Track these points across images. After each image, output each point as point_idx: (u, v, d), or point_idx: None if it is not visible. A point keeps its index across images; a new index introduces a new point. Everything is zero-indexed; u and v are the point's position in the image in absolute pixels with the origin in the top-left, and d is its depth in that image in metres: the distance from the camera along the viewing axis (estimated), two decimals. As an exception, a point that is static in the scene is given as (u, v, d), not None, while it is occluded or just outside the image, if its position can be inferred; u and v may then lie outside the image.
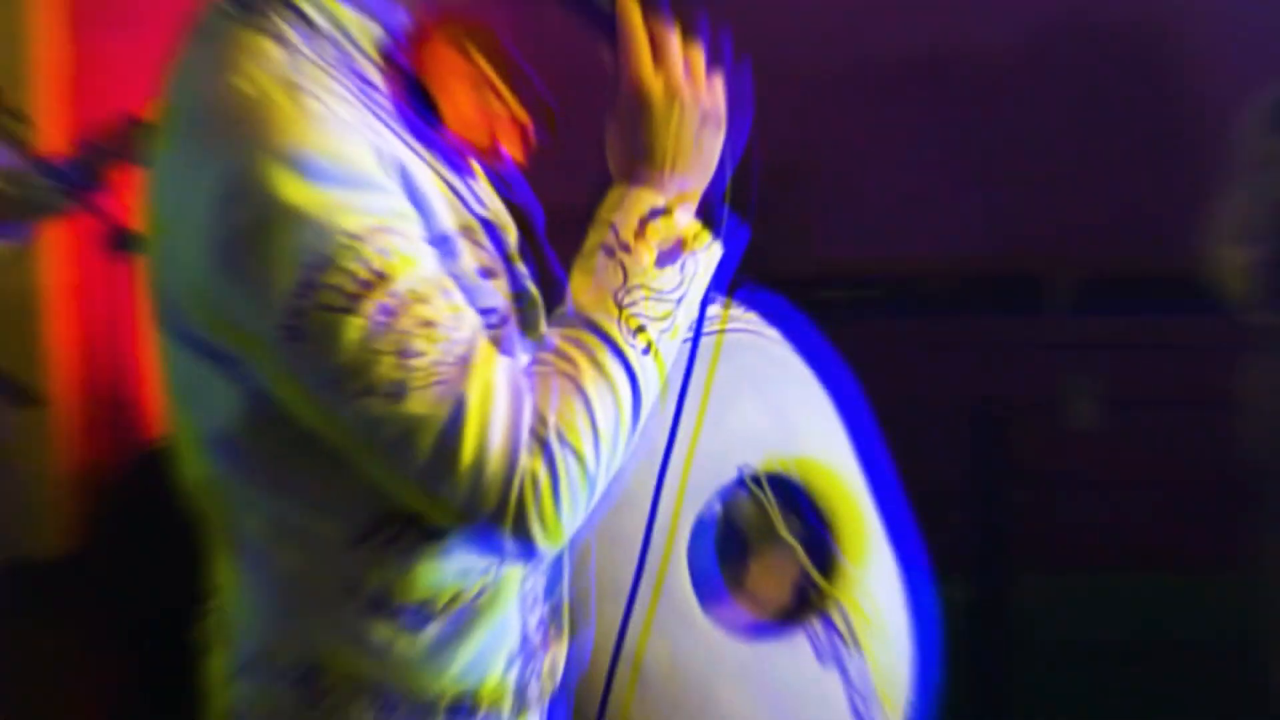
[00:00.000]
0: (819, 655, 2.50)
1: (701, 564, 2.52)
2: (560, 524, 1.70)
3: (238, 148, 1.66)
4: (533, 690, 1.95)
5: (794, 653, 2.50)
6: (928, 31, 5.57)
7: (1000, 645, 4.74)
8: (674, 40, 1.83)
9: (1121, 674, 4.88)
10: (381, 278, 1.64)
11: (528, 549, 1.71)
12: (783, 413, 2.61)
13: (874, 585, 2.58)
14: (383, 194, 1.69)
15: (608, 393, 1.73)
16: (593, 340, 1.75)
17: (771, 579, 2.56)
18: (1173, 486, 4.79)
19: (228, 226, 1.66)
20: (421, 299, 1.66)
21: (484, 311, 1.75)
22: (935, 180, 5.61)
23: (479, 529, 1.70)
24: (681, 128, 1.81)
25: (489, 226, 1.84)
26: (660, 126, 1.81)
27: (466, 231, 1.79)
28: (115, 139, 4.53)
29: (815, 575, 2.52)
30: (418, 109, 1.82)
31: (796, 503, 2.57)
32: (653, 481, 2.02)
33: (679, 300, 1.81)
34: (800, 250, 5.29)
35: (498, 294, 1.79)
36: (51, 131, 5.71)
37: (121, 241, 4.42)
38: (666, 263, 1.80)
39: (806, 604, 2.54)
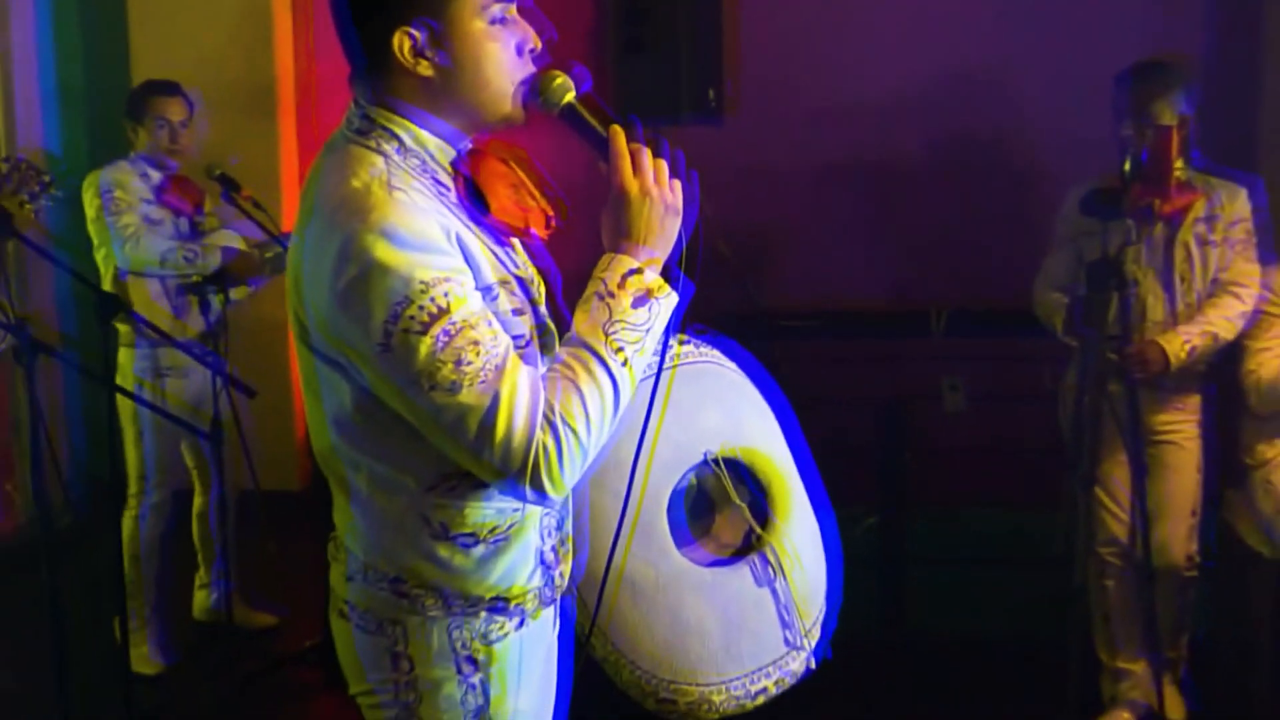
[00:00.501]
0: (757, 580, 2.47)
1: (678, 517, 2.46)
2: (563, 479, 1.75)
3: (349, 224, 1.71)
4: (547, 593, 1.99)
5: (741, 578, 2.46)
6: (855, 143, 5.52)
7: (898, 556, 4.70)
8: (647, 157, 1.84)
9: (980, 576, 4.88)
10: (444, 311, 1.70)
11: (541, 495, 1.76)
12: (735, 417, 2.52)
13: (794, 534, 2.51)
14: (445, 256, 1.73)
15: (595, 390, 1.76)
16: (587, 356, 1.78)
17: (727, 529, 2.51)
18: (1015, 450, 4.73)
19: (343, 277, 1.71)
20: (471, 326, 1.71)
21: (515, 337, 1.80)
22: (859, 245, 5.57)
23: (508, 481, 1.75)
24: (651, 216, 1.83)
25: (521, 281, 1.88)
26: (636, 215, 1.83)
27: (504, 284, 1.83)
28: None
29: (755, 527, 2.47)
30: (474, 201, 1.85)
31: (744, 477, 2.50)
32: (632, 461, 2.06)
33: (647, 330, 1.82)
34: (773, 292, 5.26)
35: (524, 326, 1.84)
36: (288, 214, 5.74)
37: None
38: (638, 305, 1.81)
39: (750, 546, 2.49)
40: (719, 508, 2.52)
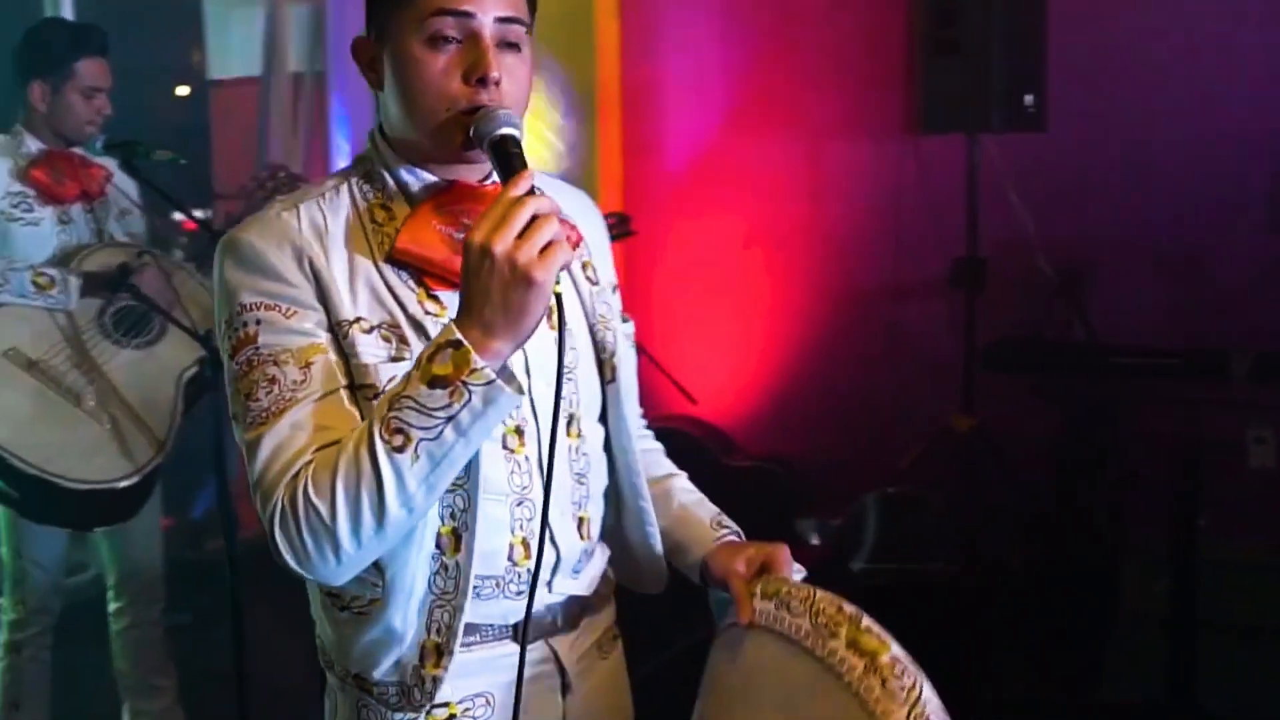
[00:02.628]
0: None
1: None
2: (304, 554, 1.54)
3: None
4: (416, 695, 1.70)
5: None
6: (1171, 165, 4.89)
7: (1188, 625, 4.08)
8: (521, 213, 1.48)
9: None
10: (250, 339, 1.60)
11: (281, 559, 1.56)
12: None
13: None
14: (279, 283, 1.62)
15: (353, 470, 1.51)
16: (362, 430, 1.53)
17: None
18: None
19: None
20: (275, 361, 1.59)
21: (363, 386, 1.61)
22: (1164, 288, 4.96)
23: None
24: (487, 281, 1.47)
25: (421, 328, 1.64)
26: (471, 277, 1.49)
27: (389, 327, 1.64)
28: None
29: None
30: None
31: None
32: None
33: (448, 419, 1.48)
34: (1085, 335, 4.74)
35: (391, 375, 1.60)
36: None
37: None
38: (436, 385, 1.48)
39: None
40: None
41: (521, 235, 1.46)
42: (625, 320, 1.92)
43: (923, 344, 5.41)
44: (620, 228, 4.61)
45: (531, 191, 1.51)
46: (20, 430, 3.19)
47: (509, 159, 1.57)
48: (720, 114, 5.83)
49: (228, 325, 1.62)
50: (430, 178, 1.71)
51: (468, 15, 1.62)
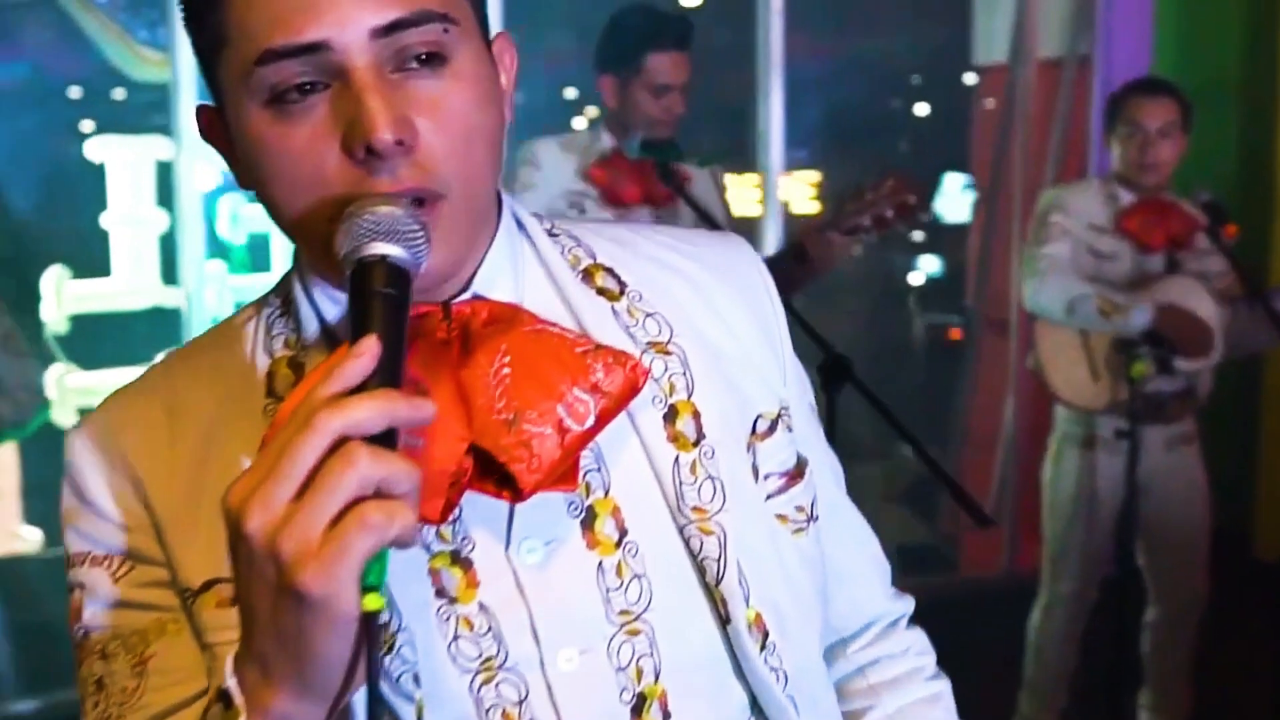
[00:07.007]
0: None
1: None
2: None
3: None
4: None
5: None
6: None
7: None
8: (302, 447, 0.75)
9: None
10: (75, 610, 1.00)
11: None
12: None
13: None
14: (106, 523, 0.98)
15: None
16: None
17: None
18: None
19: None
20: (103, 654, 0.98)
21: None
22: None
23: None
24: (251, 584, 0.78)
25: None
26: (234, 569, 0.80)
27: None
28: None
29: None
30: None
31: None
32: None
33: None
34: None
35: None
36: None
37: None
38: None
39: None
40: None
41: (302, 494, 0.76)
42: (797, 471, 1.08)
43: None
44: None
45: (386, 376, 0.79)
46: None
47: (361, 305, 0.84)
48: None
49: (67, 572, 1.05)
50: (341, 302, 1.00)
51: (318, 49, 0.87)
